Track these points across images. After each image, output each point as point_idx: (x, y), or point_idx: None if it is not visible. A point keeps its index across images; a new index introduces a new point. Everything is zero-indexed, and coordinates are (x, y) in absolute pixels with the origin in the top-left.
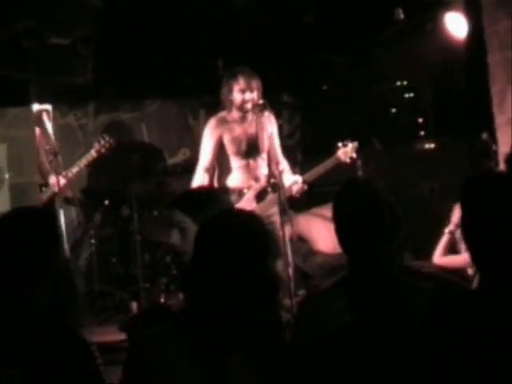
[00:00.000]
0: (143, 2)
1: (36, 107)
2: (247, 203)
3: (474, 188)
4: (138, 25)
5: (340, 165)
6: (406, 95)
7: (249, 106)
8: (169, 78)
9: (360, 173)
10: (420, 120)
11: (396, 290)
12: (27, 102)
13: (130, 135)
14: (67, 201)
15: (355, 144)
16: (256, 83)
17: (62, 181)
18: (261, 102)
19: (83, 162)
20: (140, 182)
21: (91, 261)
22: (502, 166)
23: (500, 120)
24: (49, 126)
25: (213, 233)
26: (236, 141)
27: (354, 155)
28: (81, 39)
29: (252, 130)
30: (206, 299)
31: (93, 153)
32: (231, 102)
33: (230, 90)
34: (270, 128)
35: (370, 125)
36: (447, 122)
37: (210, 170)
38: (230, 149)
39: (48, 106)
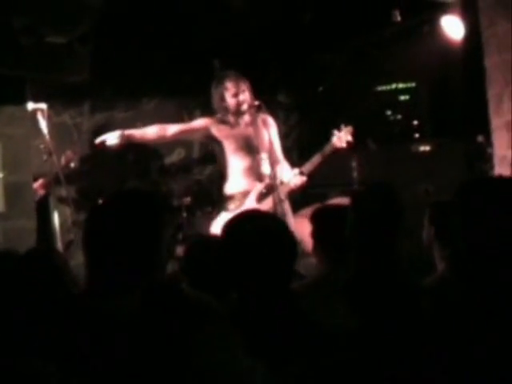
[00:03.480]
0: (141, 2)
1: (31, 106)
2: (250, 204)
3: (471, 191)
4: (135, 24)
5: (337, 151)
6: (402, 97)
7: (245, 106)
8: (165, 77)
9: (355, 174)
10: (416, 122)
11: (402, 292)
12: (22, 101)
13: None
14: (61, 200)
15: (349, 128)
16: (244, 84)
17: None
18: (256, 103)
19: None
20: (135, 182)
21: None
22: (497, 169)
23: (496, 123)
24: (44, 124)
25: (243, 236)
26: (234, 139)
27: (350, 138)
28: (78, 38)
29: (249, 131)
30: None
31: (63, 163)
32: (226, 109)
33: (222, 97)
34: (268, 129)
35: (365, 126)
36: (443, 124)
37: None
38: (230, 145)
39: (43, 105)
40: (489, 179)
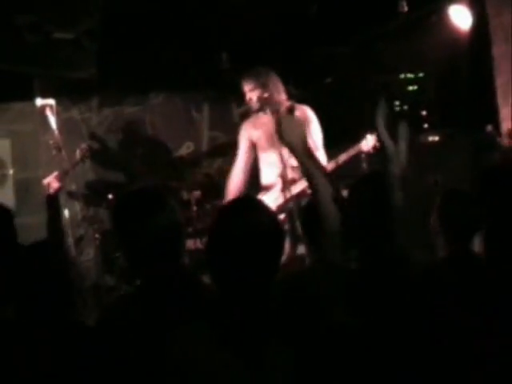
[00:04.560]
0: None
1: (39, 102)
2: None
3: (496, 179)
4: (142, 18)
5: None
6: (410, 88)
7: (240, 111)
8: (173, 71)
9: (364, 165)
10: (424, 112)
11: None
12: (31, 97)
13: (134, 129)
14: (71, 195)
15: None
16: (244, 85)
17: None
18: (252, 105)
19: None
20: (145, 176)
21: (95, 255)
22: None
23: (504, 112)
24: (52, 120)
25: (233, 230)
26: (260, 134)
27: (377, 143)
28: (85, 33)
29: (270, 128)
30: (231, 295)
31: (77, 158)
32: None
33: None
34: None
35: (373, 117)
36: (451, 114)
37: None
38: (258, 141)
39: (51, 101)
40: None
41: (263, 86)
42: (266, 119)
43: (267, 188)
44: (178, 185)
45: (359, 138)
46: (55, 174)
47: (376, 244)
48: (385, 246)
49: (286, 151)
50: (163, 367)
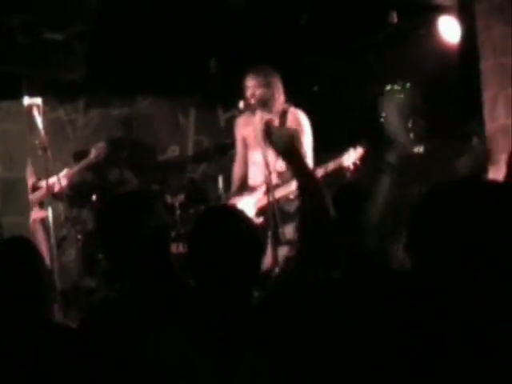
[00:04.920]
0: (137, 1)
1: (27, 101)
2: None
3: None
4: (131, 22)
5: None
6: (398, 97)
7: (241, 105)
8: (161, 75)
9: (348, 175)
10: (409, 124)
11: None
12: (18, 96)
13: (120, 131)
14: (55, 196)
15: (360, 150)
16: (250, 80)
17: (64, 181)
18: (254, 100)
19: (83, 165)
20: (129, 179)
21: (77, 256)
22: (491, 173)
23: (491, 127)
24: (39, 120)
25: (212, 236)
26: (250, 133)
27: (357, 161)
28: (76, 36)
29: (260, 127)
30: (207, 298)
31: (92, 158)
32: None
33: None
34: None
35: (359, 127)
36: (438, 125)
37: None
38: (248, 139)
39: (38, 100)
40: (464, 184)
41: (268, 85)
42: (257, 118)
43: (252, 189)
44: (162, 188)
45: (344, 148)
46: (64, 172)
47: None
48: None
49: (271, 153)
50: (136, 367)
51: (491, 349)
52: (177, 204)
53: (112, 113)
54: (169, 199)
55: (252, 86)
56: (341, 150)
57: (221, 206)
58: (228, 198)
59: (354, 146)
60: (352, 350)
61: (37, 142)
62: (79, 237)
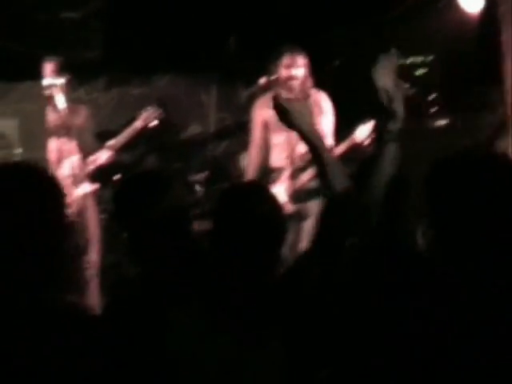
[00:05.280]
0: None
1: (46, 81)
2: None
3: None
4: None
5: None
6: (418, 71)
7: (261, 81)
8: (180, 53)
9: (367, 149)
10: (432, 96)
11: None
12: (38, 77)
13: (141, 110)
14: (101, 169)
15: (370, 124)
16: (301, 60)
17: (107, 153)
18: (272, 78)
19: (129, 132)
20: (151, 157)
21: (101, 236)
22: None
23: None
24: (60, 100)
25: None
26: (273, 119)
27: (371, 135)
28: (93, 13)
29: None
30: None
31: (138, 124)
32: (276, 81)
33: (276, 69)
34: (316, 109)
35: (381, 101)
36: (459, 98)
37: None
38: (271, 120)
39: (59, 80)
40: (468, 157)
41: (302, 67)
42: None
43: (274, 170)
44: (185, 167)
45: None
46: (110, 142)
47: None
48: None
49: (294, 135)
50: (158, 349)
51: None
52: (199, 182)
53: (132, 91)
54: (191, 177)
55: (300, 65)
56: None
57: (244, 183)
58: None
59: (364, 121)
60: (370, 333)
61: (58, 123)
62: (102, 216)
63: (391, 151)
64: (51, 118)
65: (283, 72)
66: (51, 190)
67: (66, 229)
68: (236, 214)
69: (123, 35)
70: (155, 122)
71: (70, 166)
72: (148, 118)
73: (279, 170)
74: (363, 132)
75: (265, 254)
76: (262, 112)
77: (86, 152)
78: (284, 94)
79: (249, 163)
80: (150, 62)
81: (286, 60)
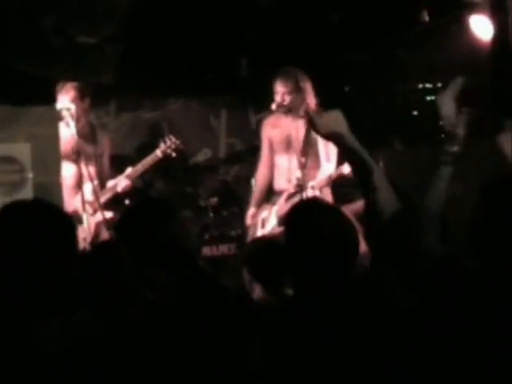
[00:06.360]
0: (167, 1)
1: (59, 106)
2: (279, 204)
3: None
4: (161, 23)
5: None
6: (429, 97)
7: (273, 107)
8: (191, 77)
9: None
10: (442, 123)
11: None
12: (51, 101)
13: (152, 135)
14: (118, 197)
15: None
16: (280, 86)
17: (126, 182)
18: (285, 103)
19: (148, 162)
20: (161, 182)
21: None
22: None
23: None
24: (72, 124)
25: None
26: (277, 137)
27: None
28: (108, 38)
29: (291, 131)
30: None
31: (158, 153)
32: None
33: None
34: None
35: (391, 126)
36: (472, 124)
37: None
38: (273, 142)
39: (71, 105)
40: None
41: (298, 91)
42: (284, 121)
43: (277, 193)
44: (195, 191)
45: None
46: (126, 172)
47: None
48: None
49: (294, 159)
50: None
51: None
52: (210, 207)
53: (143, 116)
54: (202, 202)
55: (282, 91)
56: (372, 148)
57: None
58: (252, 203)
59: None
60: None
61: (69, 148)
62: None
63: (447, 173)
64: (70, 142)
65: (276, 97)
66: (63, 224)
67: (76, 259)
68: (311, 230)
69: (135, 60)
70: (173, 153)
71: (90, 191)
72: (168, 148)
73: (280, 193)
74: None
75: (340, 268)
76: (269, 131)
77: (103, 178)
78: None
79: (255, 182)
80: (160, 86)
81: (277, 86)
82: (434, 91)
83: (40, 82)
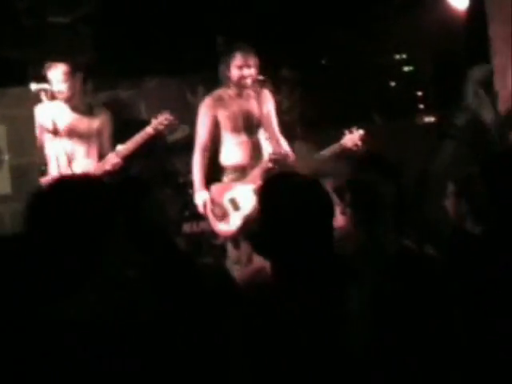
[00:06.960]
0: None
1: (34, 86)
2: (253, 181)
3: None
4: (137, 2)
5: (345, 151)
6: (406, 68)
7: (248, 81)
8: (168, 54)
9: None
10: (420, 93)
11: None
12: (26, 82)
13: (129, 113)
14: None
15: (360, 131)
16: (253, 60)
17: (116, 159)
18: (260, 78)
19: (138, 139)
20: (140, 160)
21: None
22: None
23: (502, 94)
24: (57, 104)
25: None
26: (232, 117)
27: (359, 142)
28: (81, 18)
29: (249, 106)
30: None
31: (149, 130)
32: (229, 78)
33: (228, 67)
34: (268, 104)
35: (369, 99)
36: (447, 94)
37: (207, 150)
38: (226, 126)
39: (46, 86)
40: None
41: (256, 66)
42: (231, 97)
43: (233, 170)
44: (174, 168)
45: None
46: (118, 148)
47: None
48: None
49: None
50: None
51: None
52: (188, 184)
53: (121, 94)
54: (180, 179)
55: (255, 64)
56: (349, 123)
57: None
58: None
59: (350, 131)
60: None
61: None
62: None
63: (450, 147)
64: (66, 120)
65: (235, 72)
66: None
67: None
68: (289, 203)
69: (111, 39)
70: (164, 128)
71: (81, 170)
72: (159, 124)
73: (240, 170)
74: (349, 140)
75: (321, 240)
76: (214, 110)
77: (104, 156)
78: (232, 91)
79: (197, 164)
80: (137, 64)
81: (238, 61)
82: (410, 62)
83: (14, 64)
